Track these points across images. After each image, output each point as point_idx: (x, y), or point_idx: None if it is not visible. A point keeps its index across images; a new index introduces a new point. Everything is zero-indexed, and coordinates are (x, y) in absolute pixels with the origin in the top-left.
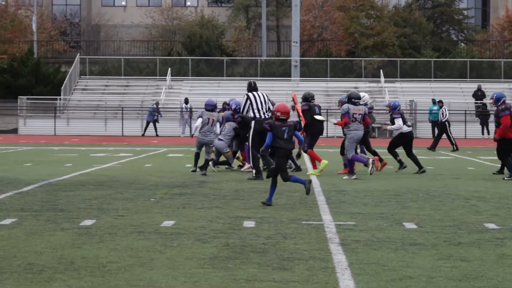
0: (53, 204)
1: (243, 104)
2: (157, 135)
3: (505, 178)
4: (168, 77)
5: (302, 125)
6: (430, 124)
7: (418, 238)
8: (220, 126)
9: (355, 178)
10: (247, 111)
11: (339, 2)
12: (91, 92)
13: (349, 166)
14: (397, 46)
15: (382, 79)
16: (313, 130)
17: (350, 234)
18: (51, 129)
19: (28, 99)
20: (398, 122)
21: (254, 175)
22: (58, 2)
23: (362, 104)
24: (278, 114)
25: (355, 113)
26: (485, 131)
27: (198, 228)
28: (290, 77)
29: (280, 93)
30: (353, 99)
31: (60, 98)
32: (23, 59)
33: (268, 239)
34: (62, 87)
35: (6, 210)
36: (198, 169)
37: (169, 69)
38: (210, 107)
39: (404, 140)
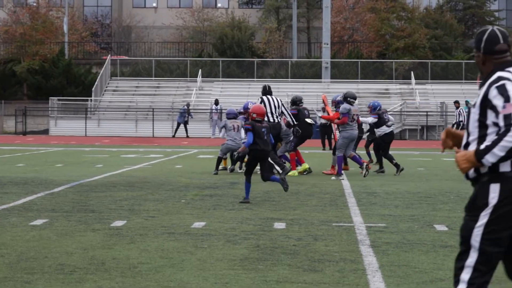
0: (84, 205)
1: None
2: (187, 136)
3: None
4: (199, 79)
5: (333, 127)
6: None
7: (449, 240)
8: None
9: (342, 179)
10: None
11: (370, 3)
12: (122, 93)
13: (338, 166)
14: (428, 48)
15: (413, 81)
16: (303, 133)
17: (380, 236)
18: (82, 130)
19: (59, 100)
20: (371, 119)
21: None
22: (89, 4)
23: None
24: (254, 115)
25: (354, 114)
26: None
27: (228, 230)
28: (321, 78)
29: (310, 95)
30: (349, 98)
31: (91, 99)
32: (54, 60)
33: (298, 240)
34: (93, 88)
35: (37, 210)
36: (229, 171)
37: (200, 70)
38: (232, 115)
39: (387, 140)
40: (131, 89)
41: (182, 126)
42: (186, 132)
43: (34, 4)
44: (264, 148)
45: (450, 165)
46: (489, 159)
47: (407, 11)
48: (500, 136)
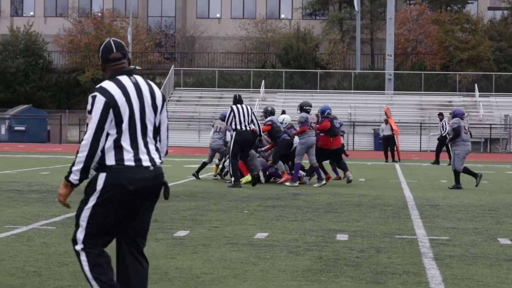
0: None
1: (227, 116)
2: None
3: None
4: (262, 89)
5: (396, 137)
6: None
7: None
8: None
9: (296, 186)
10: (231, 123)
11: (434, 15)
12: (185, 104)
13: (317, 173)
14: (492, 60)
15: (477, 93)
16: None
17: (444, 249)
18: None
19: None
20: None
21: (233, 182)
22: (154, 14)
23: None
24: None
25: (311, 122)
26: None
27: (291, 241)
28: (384, 90)
29: (373, 107)
30: (305, 107)
31: None
32: None
33: (361, 252)
34: None
35: None
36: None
37: (263, 81)
38: (223, 117)
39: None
40: (194, 99)
41: None
42: None
43: (99, 14)
44: None
45: None
46: (73, 177)
47: (471, 23)
48: (77, 151)
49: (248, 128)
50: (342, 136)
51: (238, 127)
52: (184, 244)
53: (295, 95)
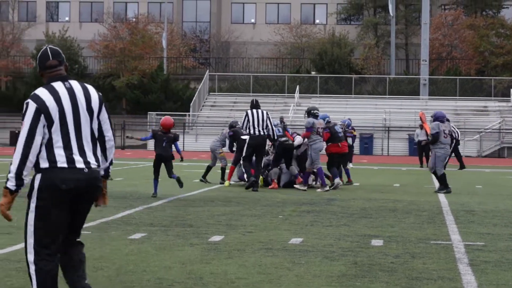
0: (182, 219)
1: (242, 120)
2: None
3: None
4: (297, 95)
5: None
6: None
7: None
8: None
9: (327, 190)
10: (246, 127)
11: (469, 20)
12: (220, 109)
13: (320, 178)
14: None
15: None
16: (241, 149)
17: (479, 255)
18: (179, 145)
19: (157, 115)
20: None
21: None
22: (188, 19)
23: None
24: (161, 127)
25: (318, 127)
26: None
27: (326, 246)
28: (419, 95)
29: (408, 112)
30: (312, 111)
31: (189, 114)
32: (153, 75)
33: (396, 258)
34: (191, 103)
35: (136, 225)
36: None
37: (298, 86)
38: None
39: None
40: (229, 104)
41: None
42: None
43: (134, 20)
44: (161, 152)
45: None
46: (10, 184)
47: (506, 28)
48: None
49: (262, 133)
50: (352, 137)
51: (252, 131)
52: (218, 249)
53: (330, 100)
